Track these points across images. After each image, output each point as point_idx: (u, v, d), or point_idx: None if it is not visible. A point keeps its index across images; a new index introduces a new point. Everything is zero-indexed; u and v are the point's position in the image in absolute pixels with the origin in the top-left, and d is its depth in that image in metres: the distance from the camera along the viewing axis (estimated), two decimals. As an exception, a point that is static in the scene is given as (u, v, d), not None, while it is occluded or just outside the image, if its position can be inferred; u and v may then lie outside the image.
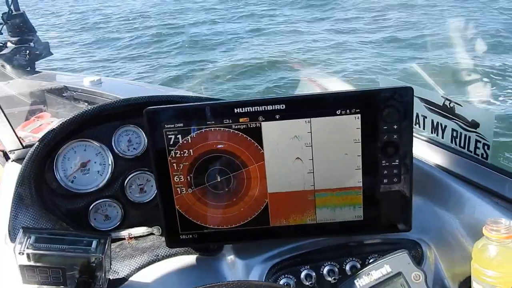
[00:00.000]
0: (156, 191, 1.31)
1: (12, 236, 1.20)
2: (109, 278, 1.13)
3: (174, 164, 1.08)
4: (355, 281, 1.00)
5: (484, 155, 1.21)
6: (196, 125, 1.06)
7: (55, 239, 1.04)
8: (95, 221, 1.32)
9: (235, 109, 1.04)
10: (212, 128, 1.06)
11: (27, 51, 4.25)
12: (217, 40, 9.76)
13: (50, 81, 3.74)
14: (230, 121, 1.05)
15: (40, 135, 1.78)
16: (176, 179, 1.09)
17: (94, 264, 1.05)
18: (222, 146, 1.07)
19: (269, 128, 1.05)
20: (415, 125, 1.37)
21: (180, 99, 1.33)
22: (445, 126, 1.29)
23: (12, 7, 4.20)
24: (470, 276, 1.04)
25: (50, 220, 1.24)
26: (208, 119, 1.05)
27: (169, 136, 1.06)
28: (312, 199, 1.10)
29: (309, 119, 1.04)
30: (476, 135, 1.21)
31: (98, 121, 1.31)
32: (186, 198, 1.10)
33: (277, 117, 1.04)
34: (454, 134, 1.27)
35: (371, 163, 1.08)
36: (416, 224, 1.14)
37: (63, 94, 3.44)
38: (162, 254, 1.21)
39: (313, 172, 1.08)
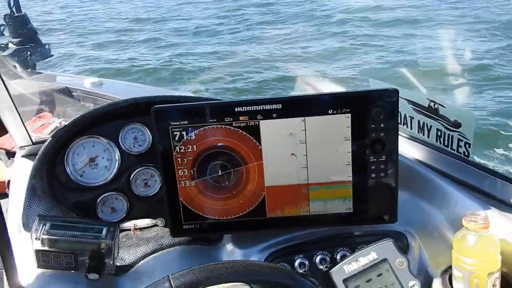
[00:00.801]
0: (159, 186, 1.41)
1: (26, 225, 1.28)
2: (117, 265, 1.21)
3: (179, 159, 1.17)
4: (345, 267, 1.10)
5: (466, 153, 1.30)
6: (200, 122, 1.15)
7: (68, 226, 1.13)
8: (102, 213, 1.40)
9: (236, 108, 1.13)
10: (214, 126, 1.15)
11: (28, 52, 4.32)
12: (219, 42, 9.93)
13: (51, 82, 3.81)
14: (231, 119, 1.14)
15: (41, 134, 1.86)
16: (181, 173, 1.18)
17: (103, 251, 1.13)
18: (223, 142, 1.16)
19: (266, 126, 1.14)
20: (403, 125, 1.47)
21: (184, 99, 1.42)
22: (431, 126, 1.39)
23: (14, 8, 4.27)
24: (451, 265, 1.13)
25: (61, 211, 1.33)
26: (210, 117, 1.14)
27: (174, 133, 1.15)
28: (306, 192, 1.19)
29: (303, 118, 1.14)
30: (459, 134, 1.31)
31: (106, 119, 1.40)
32: (189, 190, 1.19)
33: (274, 116, 1.13)
34: (439, 134, 1.37)
35: (360, 159, 1.17)
36: (402, 216, 1.24)
37: (64, 95, 3.52)
38: (166, 244, 1.28)
39: (307, 167, 1.17)
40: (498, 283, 1.08)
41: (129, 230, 1.36)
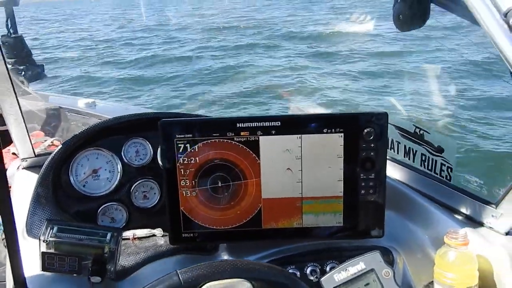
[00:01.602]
0: (158, 198, 1.48)
1: (30, 230, 1.33)
2: (117, 271, 1.26)
3: (182, 170, 1.25)
4: (334, 275, 1.16)
5: (448, 177, 1.40)
6: (203, 136, 1.23)
7: (75, 230, 1.19)
8: (102, 223, 1.45)
9: (237, 124, 1.22)
10: (217, 140, 1.23)
11: (23, 73, 4.37)
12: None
13: (44, 101, 3.86)
14: (233, 134, 1.23)
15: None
16: (183, 183, 1.25)
17: (106, 255, 1.19)
18: (224, 155, 1.24)
19: (265, 142, 1.23)
20: (390, 149, 1.57)
21: (186, 116, 1.50)
22: (416, 151, 1.49)
23: (10, 29, 4.34)
24: (432, 281, 1.21)
25: (63, 219, 1.38)
26: (213, 131, 1.23)
27: (179, 145, 1.23)
28: (300, 205, 1.27)
29: (300, 135, 1.23)
30: (442, 159, 1.41)
31: (111, 133, 1.47)
32: (190, 200, 1.26)
33: (273, 132, 1.22)
34: (423, 158, 1.46)
35: (351, 175, 1.26)
36: (387, 233, 1.32)
37: (57, 115, 3.56)
38: (164, 252, 1.34)
39: (301, 182, 1.26)
40: (475, 297, 1.16)
41: (128, 239, 1.42)
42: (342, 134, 1.23)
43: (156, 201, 1.48)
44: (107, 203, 1.46)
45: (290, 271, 1.31)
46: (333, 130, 1.23)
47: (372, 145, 1.24)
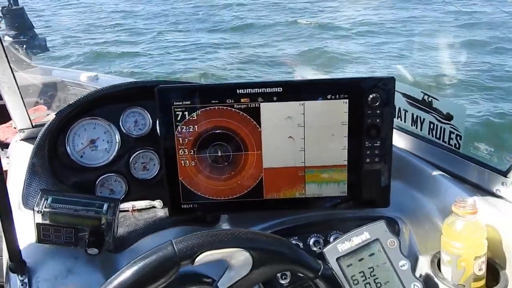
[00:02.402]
0: (157, 169, 1.44)
1: (26, 201, 1.31)
2: (115, 243, 1.23)
3: (180, 138, 1.20)
4: (338, 246, 1.12)
5: (457, 145, 1.35)
6: (202, 103, 1.18)
7: (70, 201, 1.15)
8: (100, 194, 1.43)
9: (237, 90, 1.17)
10: (216, 107, 1.19)
11: (24, 46, 4.33)
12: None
13: (47, 75, 3.82)
14: (232, 101, 1.18)
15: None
16: (181, 152, 1.21)
17: (104, 226, 1.16)
18: (224, 123, 1.20)
19: (267, 109, 1.18)
20: (397, 118, 1.51)
21: (186, 84, 1.45)
22: (424, 119, 1.44)
23: (11, 1, 4.28)
24: (439, 251, 1.18)
25: (60, 190, 1.35)
26: (212, 98, 1.18)
27: (177, 113, 1.18)
28: (302, 174, 1.23)
29: (302, 102, 1.18)
30: (450, 127, 1.36)
31: (109, 101, 1.42)
32: (189, 170, 1.23)
33: (275, 99, 1.17)
34: (431, 126, 1.42)
35: (356, 143, 1.21)
36: (393, 203, 1.28)
37: (60, 88, 3.53)
38: (163, 224, 1.31)
39: (304, 150, 1.21)
40: (484, 267, 1.12)
41: (128, 211, 1.39)
42: (347, 100, 1.18)
43: (156, 173, 1.45)
44: (106, 174, 1.42)
45: (293, 242, 1.28)
46: (337, 96, 1.17)
47: (378, 111, 1.19)
